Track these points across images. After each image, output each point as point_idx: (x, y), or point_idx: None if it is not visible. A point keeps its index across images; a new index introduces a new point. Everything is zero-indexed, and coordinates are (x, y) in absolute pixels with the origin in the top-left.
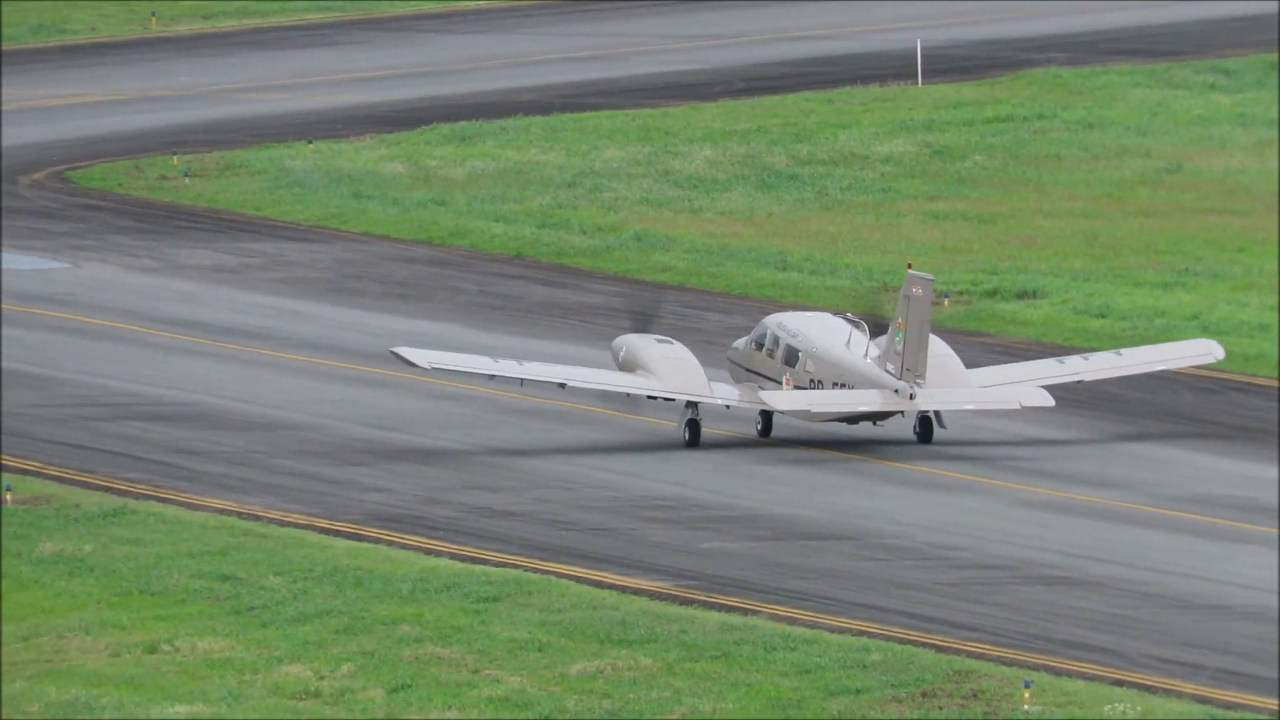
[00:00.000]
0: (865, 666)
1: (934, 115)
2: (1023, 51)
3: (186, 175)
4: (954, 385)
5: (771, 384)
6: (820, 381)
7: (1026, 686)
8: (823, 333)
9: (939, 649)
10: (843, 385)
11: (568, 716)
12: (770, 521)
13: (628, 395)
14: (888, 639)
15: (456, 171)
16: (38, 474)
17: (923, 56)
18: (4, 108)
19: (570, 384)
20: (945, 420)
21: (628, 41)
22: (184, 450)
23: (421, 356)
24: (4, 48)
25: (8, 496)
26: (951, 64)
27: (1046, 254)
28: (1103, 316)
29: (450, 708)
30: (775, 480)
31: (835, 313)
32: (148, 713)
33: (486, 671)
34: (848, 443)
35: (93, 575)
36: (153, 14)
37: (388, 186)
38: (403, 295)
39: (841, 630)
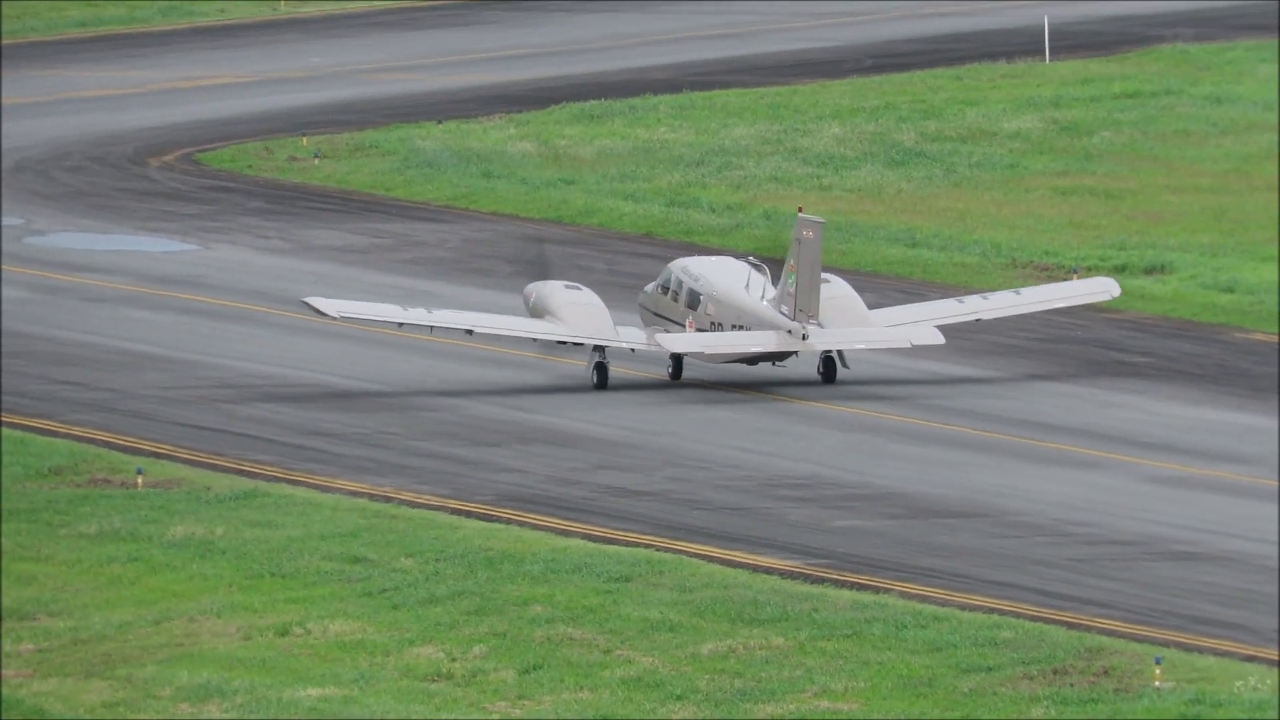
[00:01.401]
0: (996, 644)
1: (1062, 91)
2: (1150, 27)
3: (316, 156)
4: (856, 325)
5: (677, 327)
6: (720, 323)
7: (1157, 663)
8: (723, 276)
9: (1070, 626)
10: (740, 327)
11: (699, 696)
12: (902, 499)
13: (534, 340)
14: (1019, 616)
15: (585, 150)
16: (169, 457)
17: (1050, 33)
18: (135, 90)
19: (477, 330)
20: (848, 360)
21: (757, 19)
22: (315, 432)
23: (331, 305)
24: (136, 30)
25: (139, 480)
26: (1079, 40)
27: (1174, 229)
28: (1230, 291)
29: (581, 688)
30: (907, 458)
31: (739, 256)
32: (279, 695)
33: (618, 652)
34: (980, 418)
35: (224, 558)
36: None
37: (517, 166)
38: (527, 275)
39: (973, 608)
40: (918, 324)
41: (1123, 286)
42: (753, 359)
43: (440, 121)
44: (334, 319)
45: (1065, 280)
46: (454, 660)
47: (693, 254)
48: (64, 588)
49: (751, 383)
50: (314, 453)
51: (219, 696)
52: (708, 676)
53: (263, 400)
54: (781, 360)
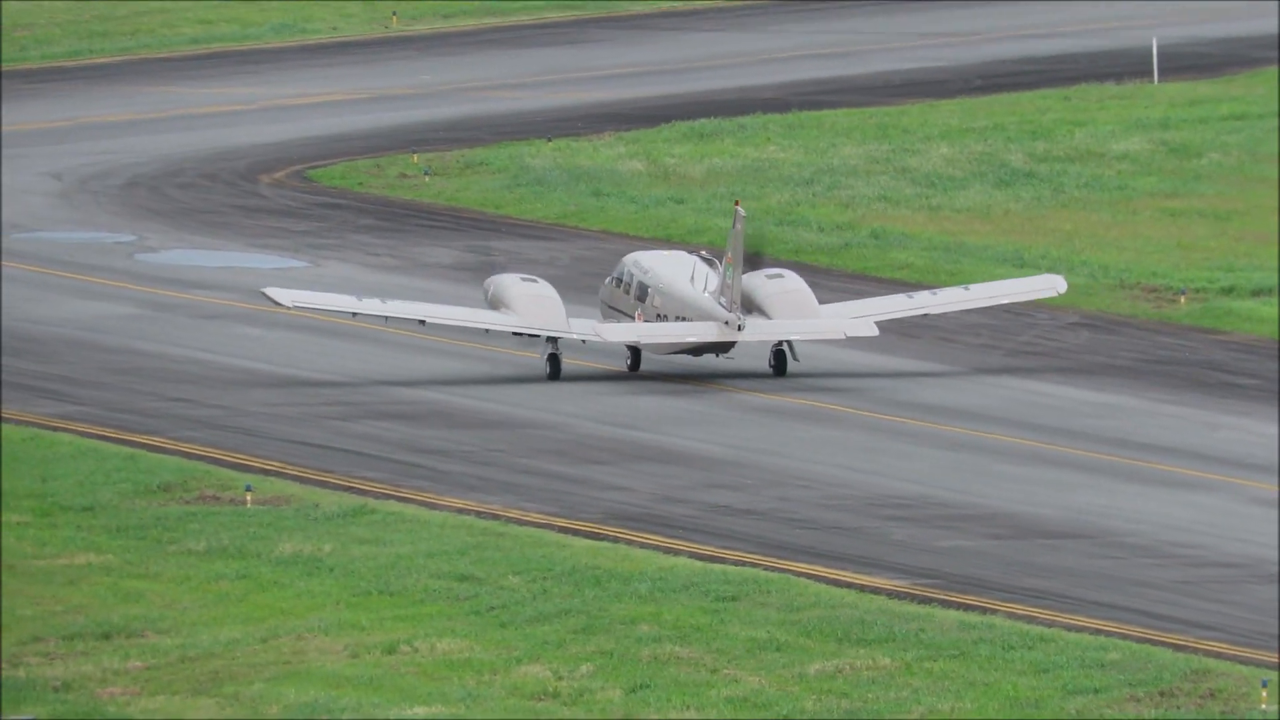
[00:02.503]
0: (1103, 665)
1: (1170, 113)
2: (1258, 49)
3: (427, 173)
4: (808, 318)
5: (627, 318)
6: (665, 315)
7: (1264, 686)
8: (670, 269)
9: (1176, 648)
10: (683, 318)
11: (806, 716)
12: (1008, 519)
13: (487, 331)
14: (1125, 638)
15: (695, 169)
16: (278, 474)
17: (1159, 54)
18: (247, 107)
19: (431, 320)
20: (797, 353)
21: (866, 39)
22: (423, 449)
23: (286, 296)
24: (248, 46)
25: (248, 497)
26: (1187, 61)
27: None
28: None
29: (689, 707)
30: (1013, 478)
31: (690, 250)
32: (386, 714)
33: (725, 671)
34: (1085, 439)
35: (332, 575)
36: (394, 13)
37: (626, 184)
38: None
39: (1079, 629)
40: (855, 318)
41: (1230, 309)
42: (696, 350)
43: (550, 139)
44: (289, 309)
45: (1172, 301)
46: (561, 679)
47: None
48: (172, 605)
49: (856, 402)
50: (422, 470)
51: (326, 714)
52: (814, 696)
53: (371, 417)
54: (725, 351)
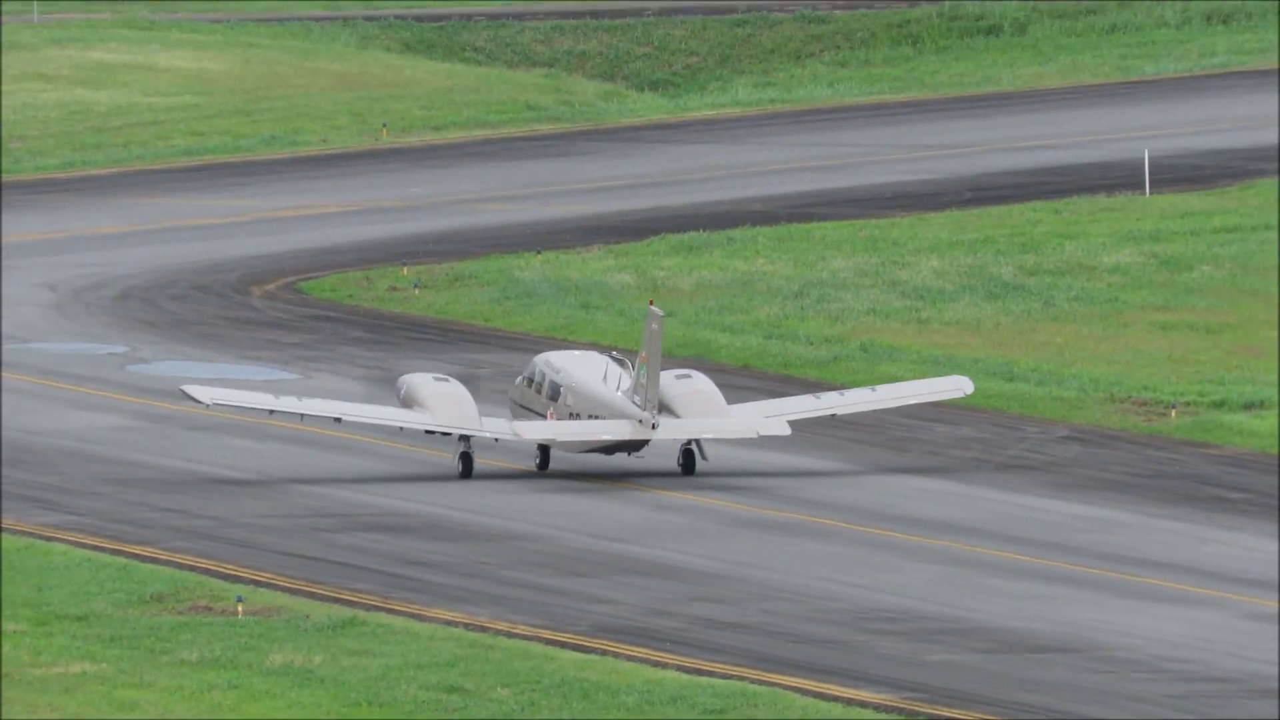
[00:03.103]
0: None
1: (1162, 225)
2: (1251, 160)
3: (416, 286)
4: (714, 417)
5: (539, 418)
6: (578, 414)
7: None
8: (582, 368)
9: None
10: (595, 417)
11: None
12: (997, 634)
13: (400, 429)
14: None
15: (684, 281)
16: (269, 585)
17: (1150, 166)
18: (239, 219)
19: (346, 418)
20: (706, 453)
21: (855, 151)
22: (412, 561)
23: (205, 393)
24: (240, 159)
25: (240, 607)
26: (1179, 173)
27: (1273, 365)
28: None
29: None
30: (1003, 593)
31: (602, 350)
32: None
33: None
34: (1074, 553)
35: (322, 686)
36: (384, 125)
37: (615, 297)
38: None
39: None
40: (770, 417)
41: (1222, 422)
42: (609, 449)
43: (539, 252)
44: (208, 407)
45: (1163, 415)
46: None
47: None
48: (166, 714)
49: (844, 516)
50: (411, 582)
51: None
52: None
53: (361, 529)
54: (637, 450)
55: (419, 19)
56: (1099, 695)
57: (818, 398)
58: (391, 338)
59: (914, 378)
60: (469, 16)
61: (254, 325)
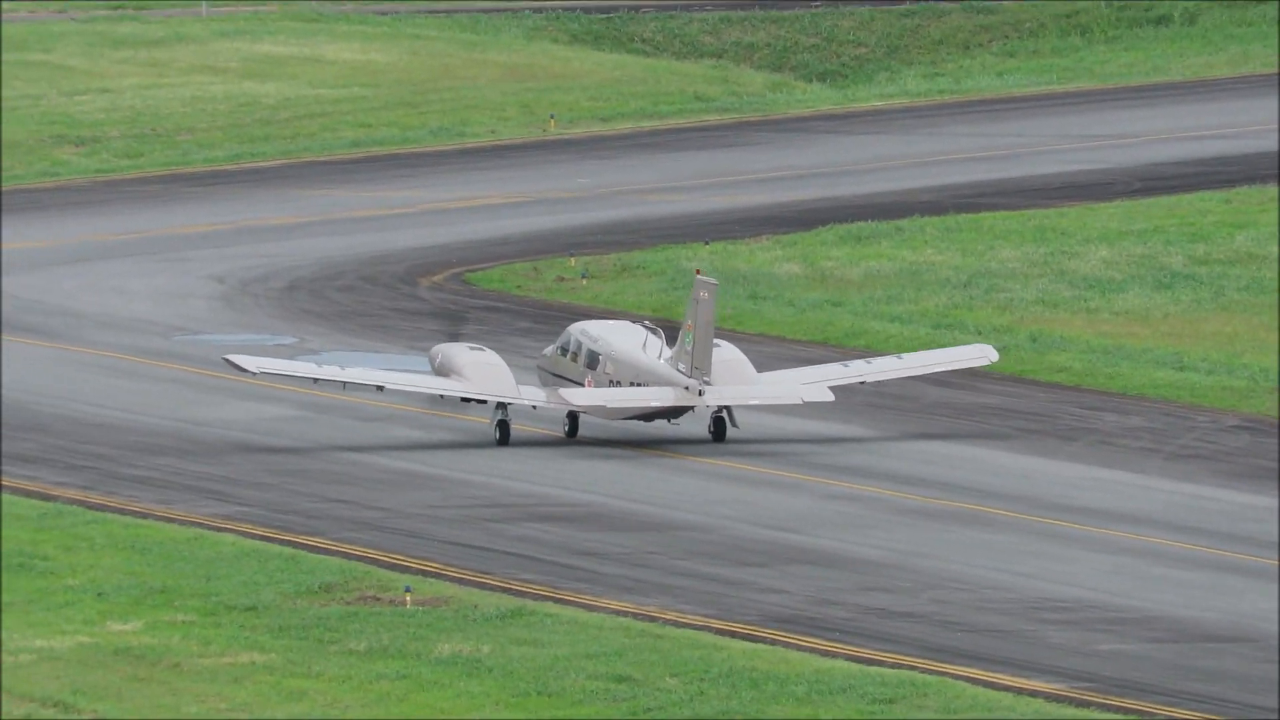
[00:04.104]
0: None
1: None
2: None
3: (584, 276)
4: (744, 385)
5: (575, 386)
6: (619, 382)
7: None
8: (621, 337)
9: None
10: (638, 384)
11: None
12: (1168, 624)
13: (441, 397)
14: None
15: (852, 272)
16: (437, 575)
17: None
18: (406, 210)
19: (388, 387)
20: (736, 419)
21: (1024, 141)
22: (581, 551)
23: (251, 362)
24: (407, 150)
25: (408, 597)
26: None
27: None
28: None
29: None
30: (1172, 582)
31: (635, 320)
32: None
33: None
34: (1248, 543)
35: (491, 676)
36: (551, 116)
37: (783, 287)
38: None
39: None
40: (810, 383)
41: None
42: (649, 415)
43: (707, 242)
44: (254, 375)
45: None
46: None
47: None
48: (334, 704)
49: (1013, 506)
50: (580, 571)
51: None
52: None
53: (530, 520)
54: (677, 416)
55: (587, 10)
56: (1271, 686)
57: (845, 365)
58: (559, 328)
59: (1081, 367)
60: (637, 8)
61: (421, 316)
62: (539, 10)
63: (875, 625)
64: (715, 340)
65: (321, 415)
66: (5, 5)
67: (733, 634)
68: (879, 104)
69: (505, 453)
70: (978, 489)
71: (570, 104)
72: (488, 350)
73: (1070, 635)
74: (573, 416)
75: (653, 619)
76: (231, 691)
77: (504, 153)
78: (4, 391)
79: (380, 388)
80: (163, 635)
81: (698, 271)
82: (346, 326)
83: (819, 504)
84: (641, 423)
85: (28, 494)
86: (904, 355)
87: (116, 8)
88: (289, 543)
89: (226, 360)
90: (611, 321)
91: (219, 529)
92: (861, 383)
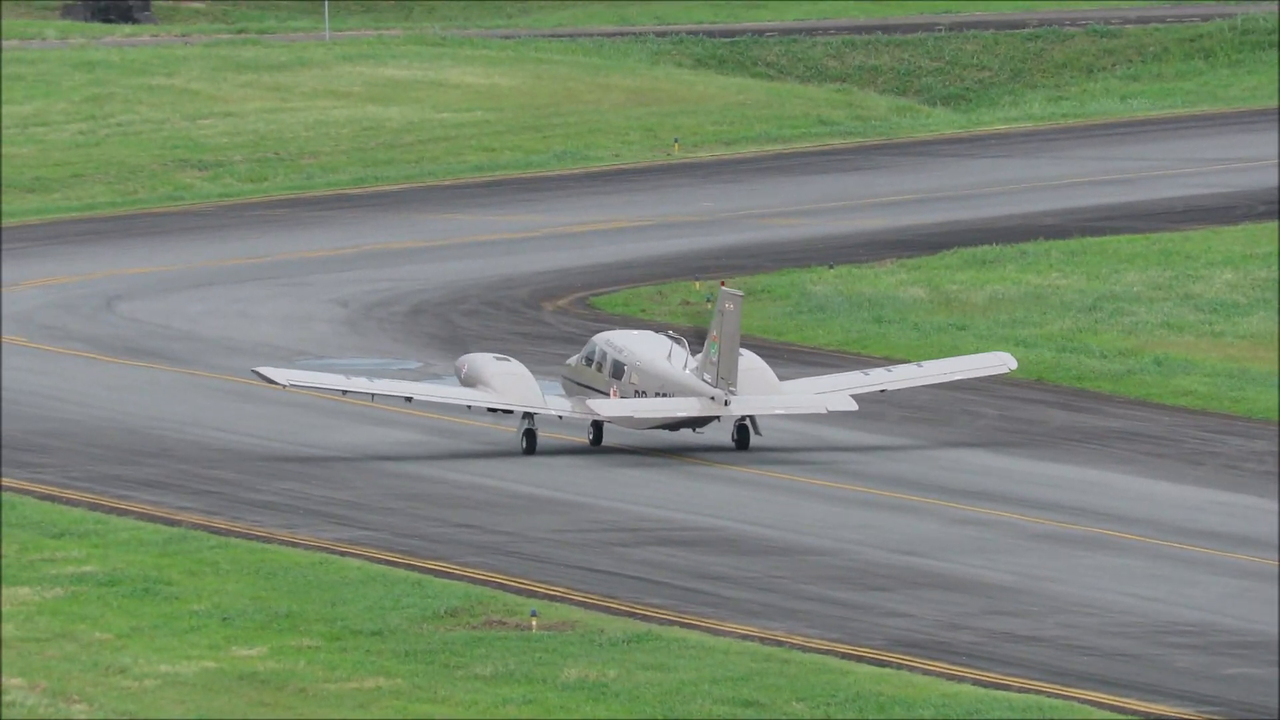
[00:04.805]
0: None
1: None
2: None
3: (709, 300)
4: (767, 394)
5: (600, 396)
6: (644, 392)
7: None
8: (646, 347)
9: None
10: (663, 394)
11: None
12: None
13: (468, 407)
14: None
15: (976, 295)
16: (563, 599)
17: None
18: (530, 234)
19: (416, 398)
20: (761, 428)
21: (1147, 165)
22: (707, 575)
23: (281, 375)
24: (531, 174)
25: (534, 622)
26: None
27: None
28: None
29: None
30: None
31: (659, 329)
32: None
33: None
34: None
35: (617, 700)
36: (676, 140)
37: (908, 310)
38: (923, 420)
39: None
40: (834, 392)
41: None
42: (675, 425)
43: (832, 266)
44: (284, 387)
45: None
46: None
47: None
48: None
49: (1140, 530)
50: (705, 596)
51: None
52: None
53: (655, 544)
54: (703, 426)
55: (711, 34)
56: None
57: (866, 374)
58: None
59: (1209, 392)
60: (761, 31)
61: (546, 340)
62: (663, 34)
63: (1002, 649)
64: (739, 350)
65: (446, 440)
66: (127, 29)
67: (859, 658)
68: (1003, 128)
69: (629, 478)
70: (1104, 513)
71: (694, 128)
72: (514, 361)
73: (1197, 659)
74: (597, 425)
75: (779, 643)
76: (357, 716)
77: (628, 176)
78: (128, 418)
79: (409, 399)
80: (288, 660)
81: (722, 283)
82: (471, 351)
83: (946, 528)
84: (669, 432)
85: (152, 519)
86: (924, 363)
87: (240, 31)
88: (414, 567)
89: (256, 373)
90: (636, 331)
91: (344, 554)
92: (882, 391)
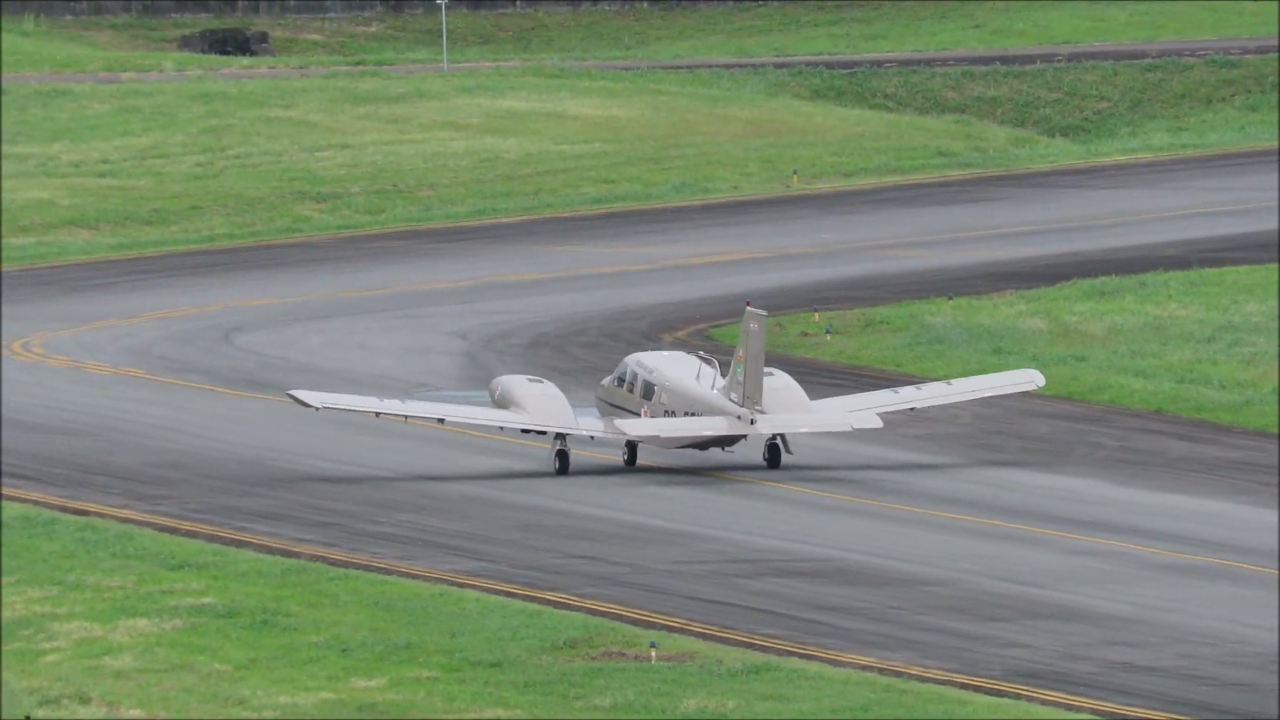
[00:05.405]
0: None
1: None
2: None
3: (828, 332)
4: (796, 413)
5: (632, 416)
6: (673, 411)
7: None
8: (675, 368)
9: None
10: (692, 414)
11: None
12: None
13: (501, 429)
14: None
15: (1096, 326)
16: (681, 630)
17: None
18: (649, 266)
19: (449, 419)
20: (791, 446)
21: (1267, 195)
22: (825, 606)
23: (314, 398)
24: (650, 206)
25: (653, 653)
26: None
27: None
28: None
29: None
30: None
31: (690, 350)
32: None
33: None
34: None
35: None
36: (794, 172)
37: (1027, 342)
38: (1041, 450)
39: None
40: (859, 410)
41: None
42: (704, 444)
43: (950, 297)
44: (317, 409)
45: None
46: None
47: None
48: None
49: (1262, 561)
50: (824, 627)
51: None
52: None
53: (773, 575)
54: (731, 445)
55: (829, 65)
56: None
57: (896, 392)
58: (804, 383)
59: None
60: (879, 63)
61: None
62: (781, 65)
63: (1121, 680)
64: (769, 369)
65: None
66: (245, 61)
67: (977, 688)
68: (1122, 158)
69: (747, 508)
70: (1223, 543)
71: (812, 159)
72: (546, 382)
73: None
74: (632, 446)
75: (897, 673)
76: None
77: (746, 208)
78: (247, 450)
79: (441, 420)
80: (407, 692)
81: (748, 304)
82: (589, 382)
83: (1064, 559)
84: (698, 451)
85: (271, 550)
86: (952, 381)
87: (358, 63)
88: (533, 598)
89: (290, 396)
90: (666, 352)
91: (463, 585)
92: (911, 409)
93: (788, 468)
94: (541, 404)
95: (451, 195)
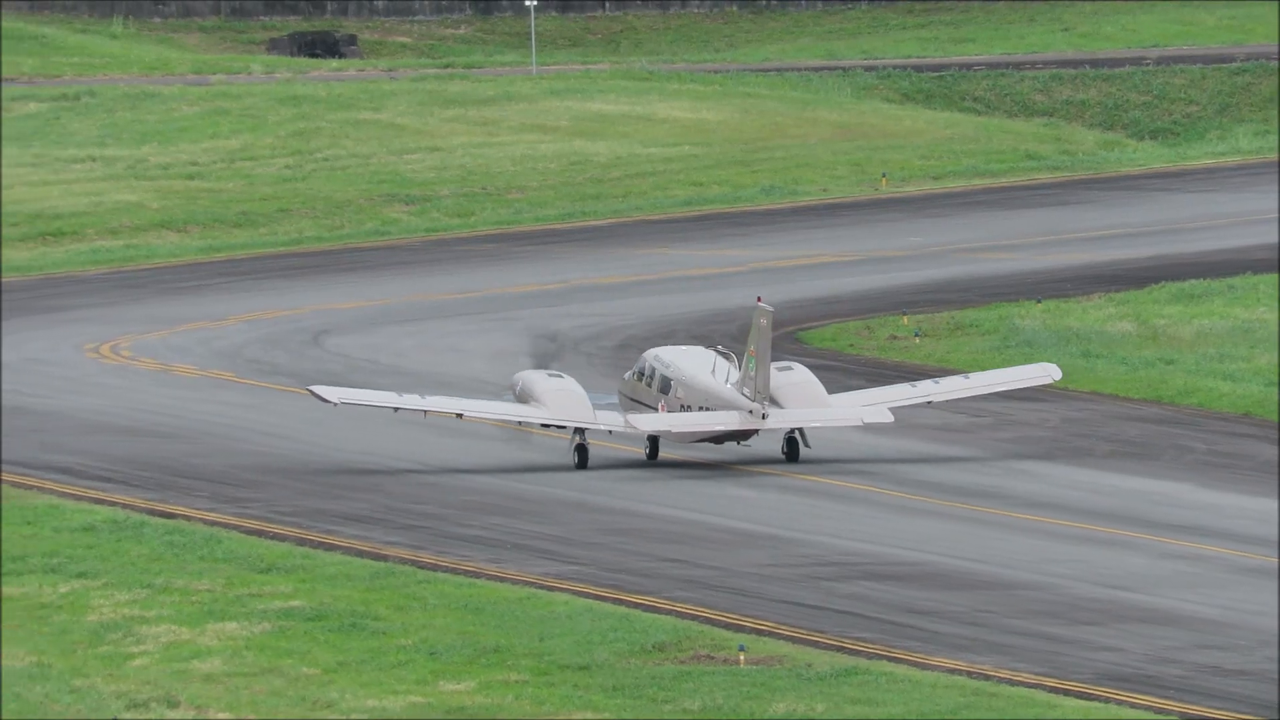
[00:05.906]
0: None
1: None
2: None
3: (917, 335)
4: (816, 407)
5: (652, 411)
6: (689, 406)
7: None
8: (691, 362)
9: None
10: (706, 409)
11: None
12: None
13: (519, 424)
14: None
15: (1184, 330)
16: (770, 634)
17: None
18: (738, 268)
19: (467, 415)
20: (809, 440)
21: None
22: (914, 609)
23: (333, 393)
24: (739, 209)
25: (741, 657)
26: None
27: None
28: None
29: None
30: None
31: (708, 346)
32: None
33: None
34: None
35: None
36: (884, 175)
37: (1116, 345)
38: (1130, 454)
39: None
40: (871, 405)
41: None
42: (719, 438)
43: (1039, 300)
44: (335, 404)
45: None
46: None
47: None
48: None
49: None
50: (913, 630)
51: None
52: None
53: (862, 578)
54: (745, 439)
55: (918, 69)
56: None
57: (914, 385)
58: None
59: None
60: (968, 66)
61: None
62: (870, 69)
63: (1210, 683)
64: (788, 363)
65: (652, 475)
66: (333, 64)
67: (1067, 692)
68: (1210, 162)
69: (834, 512)
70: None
71: (902, 162)
72: (567, 378)
73: None
74: (653, 440)
75: (987, 677)
76: None
77: (835, 211)
78: (335, 453)
79: (459, 415)
80: (496, 695)
81: (759, 299)
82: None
83: (1156, 562)
84: (713, 445)
85: (359, 553)
86: (970, 375)
87: (446, 66)
88: (622, 601)
89: (310, 392)
90: (684, 347)
91: (551, 588)
92: (929, 403)
93: (877, 474)
94: (560, 399)
95: (540, 198)
